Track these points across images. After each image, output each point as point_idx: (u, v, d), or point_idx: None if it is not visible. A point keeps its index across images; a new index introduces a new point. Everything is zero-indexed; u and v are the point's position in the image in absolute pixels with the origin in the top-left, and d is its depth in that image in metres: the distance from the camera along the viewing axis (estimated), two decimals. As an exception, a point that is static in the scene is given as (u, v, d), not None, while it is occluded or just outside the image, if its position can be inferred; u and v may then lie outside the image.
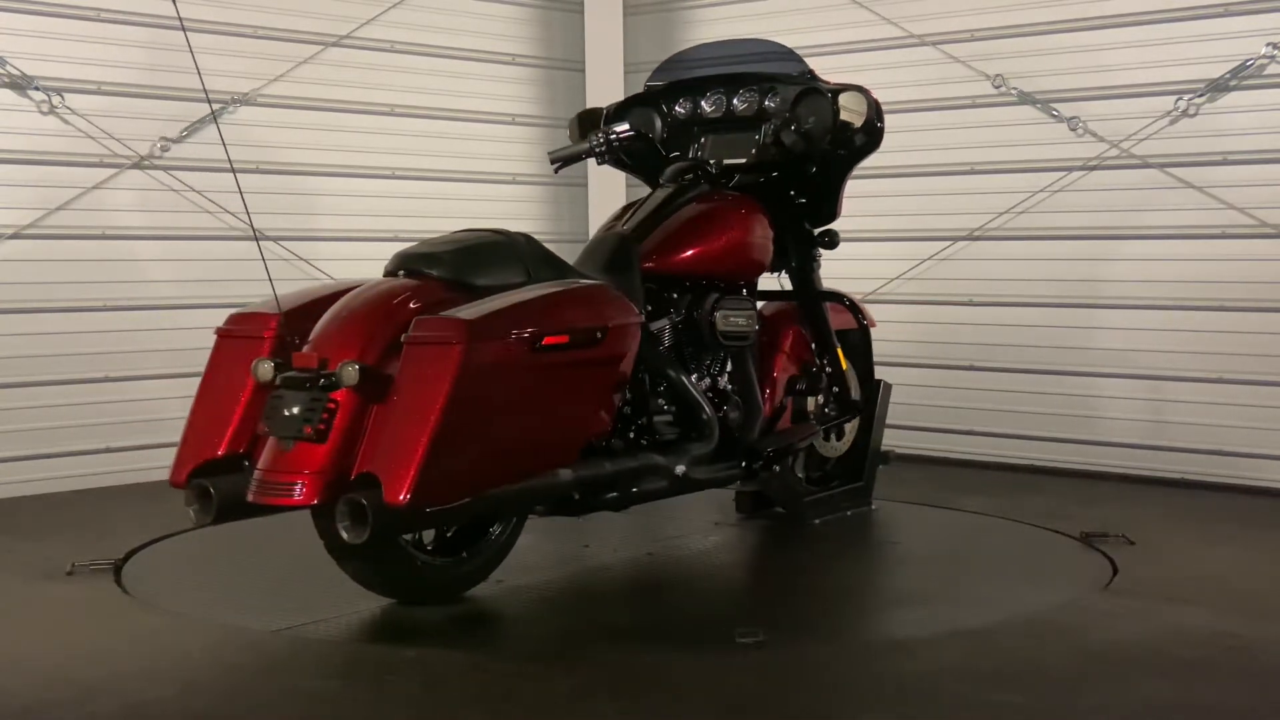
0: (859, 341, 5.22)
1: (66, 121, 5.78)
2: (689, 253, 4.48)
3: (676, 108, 5.01)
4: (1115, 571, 4.35)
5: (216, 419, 3.67)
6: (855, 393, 5.12)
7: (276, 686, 3.35)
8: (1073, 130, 6.04)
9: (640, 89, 5.21)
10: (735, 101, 4.90)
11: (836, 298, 5.15)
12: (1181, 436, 5.80)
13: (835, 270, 6.58)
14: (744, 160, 4.83)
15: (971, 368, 6.37)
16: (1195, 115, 5.74)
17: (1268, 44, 5.54)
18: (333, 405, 3.48)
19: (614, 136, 4.77)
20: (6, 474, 5.60)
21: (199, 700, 3.22)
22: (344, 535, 3.40)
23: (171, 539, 4.86)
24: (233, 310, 3.86)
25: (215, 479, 3.56)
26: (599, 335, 3.83)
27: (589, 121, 5.07)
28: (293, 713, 3.18)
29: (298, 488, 3.45)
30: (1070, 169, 6.05)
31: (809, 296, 5.03)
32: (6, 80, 5.63)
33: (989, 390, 6.32)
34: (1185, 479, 5.76)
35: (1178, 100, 5.75)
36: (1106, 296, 6.01)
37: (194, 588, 4.35)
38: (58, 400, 5.76)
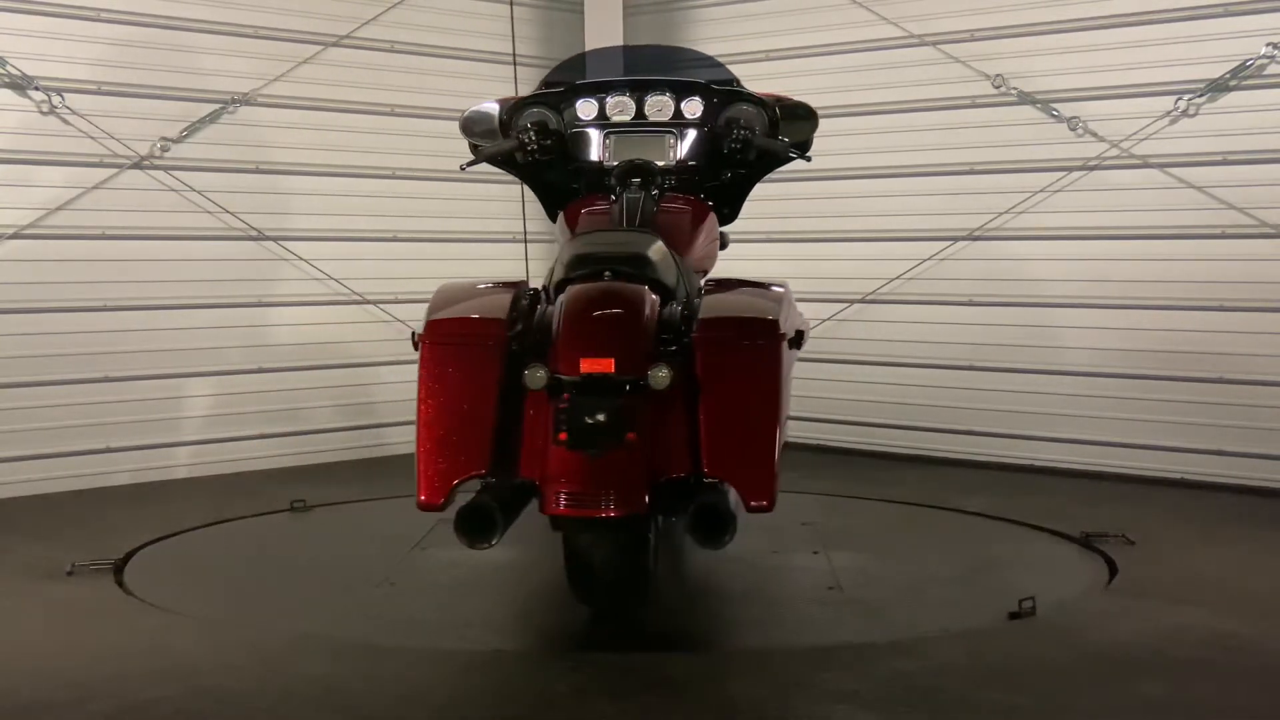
0: None
1: (66, 121, 5.78)
2: (691, 253, 4.47)
3: (579, 110, 4.72)
4: (1115, 571, 4.35)
5: (468, 433, 3.46)
6: None
7: (276, 686, 3.35)
8: (1073, 130, 6.03)
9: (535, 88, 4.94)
10: (647, 105, 4.70)
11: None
12: (1181, 436, 5.80)
13: (835, 271, 6.62)
14: (664, 163, 4.63)
15: (971, 368, 6.37)
16: (1195, 115, 5.74)
17: (1268, 44, 5.54)
18: (644, 411, 3.39)
19: (542, 135, 4.56)
20: (6, 474, 5.60)
21: (199, 700, 3.22)
22: (699, 543, 3.35)
23: (171, 539, 4.87)
24: (438, 317, 3.61)
25: (489, 496, 3.39)
26: (805, 332, 3.93)
27: (486, 124, 4.78)
28: (292, 713, 3.18)
29: (622, 497, 3.35)
30: (1070, 169, 6.05)
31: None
32: (6, 80, 5.63)
33: (989, 390, 6.32)
34: (1185, 479, 5.76)
35: (1178, 100, 5.75)
36: (1106, 296, 6.01)
37: (194, 588, 4.34)
38: (58, 400, 5.76)
